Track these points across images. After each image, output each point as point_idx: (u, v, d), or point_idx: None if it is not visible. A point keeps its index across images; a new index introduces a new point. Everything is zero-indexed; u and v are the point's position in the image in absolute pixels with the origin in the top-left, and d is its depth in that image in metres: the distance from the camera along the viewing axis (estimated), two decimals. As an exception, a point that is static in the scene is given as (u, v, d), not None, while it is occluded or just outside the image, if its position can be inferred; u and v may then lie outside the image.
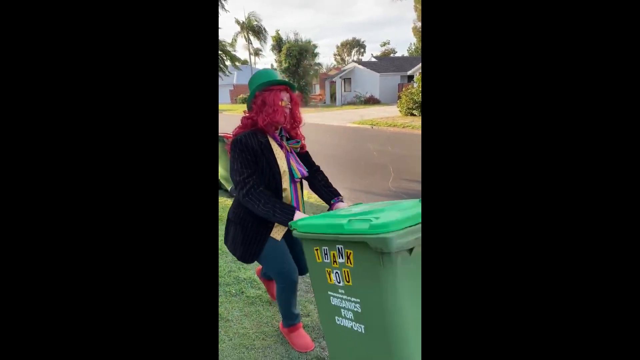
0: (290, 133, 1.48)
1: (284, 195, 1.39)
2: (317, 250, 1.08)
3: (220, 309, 1.94)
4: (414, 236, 0.87)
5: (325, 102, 24.79)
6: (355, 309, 1.02)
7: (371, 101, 20.43)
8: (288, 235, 1.44)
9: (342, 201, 1.53)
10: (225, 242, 1.50)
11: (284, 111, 1.37)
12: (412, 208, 0.98)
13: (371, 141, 7.92)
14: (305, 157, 1.55)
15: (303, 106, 21.03)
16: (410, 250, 0.86)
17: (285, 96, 1.39)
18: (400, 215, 0.91)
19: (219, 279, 2.23)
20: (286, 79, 1.49)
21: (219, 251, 2.62)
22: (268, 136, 1.39)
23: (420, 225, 0.90)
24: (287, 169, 1.39)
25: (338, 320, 1.11)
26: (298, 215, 1.26)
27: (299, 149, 1.49)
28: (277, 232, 1.43)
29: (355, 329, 1.04)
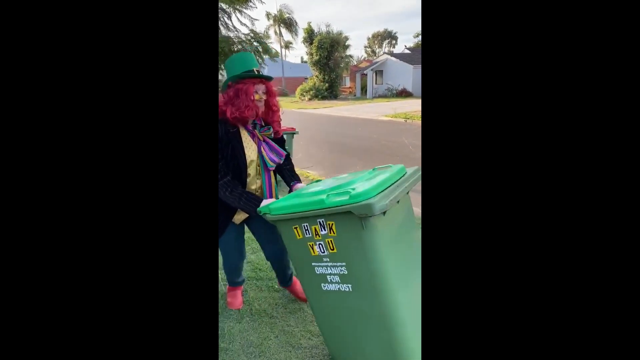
0: (267, 120, 1.49)
1: (248, 182, 1.44)
2: (296, 228, 1.19)
3: (265, 305, 1.91)
4: (388, 199, 1.01)
5: (355, 95, 24.46)
6: (342, 272, 1.16)
7: (404, 94, 19.89)
8: (253, 225, 1.61)
9: (301, 182, 1.68)
10: None
11: (255, 106, 1.36)
12: (376, 176, 1.16)
13: (406, 135, 7.67)
14: (280, 142, 1.56)
15: (332, 99, 21.14)
16: (384, 212, 1.00)
17: (260, 88, 1.39)
18: (369, 184, 1.06)
19: (262, 273, 2.21)
20: (262, 73, 1.43)
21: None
22: (239, 125, 1.39)
23: (390, 189, 1.08)
24: (255, 159, 1.43)
25: (324, 286, 1.24)
26: (266, 201, 1.32)
27: (272, 135, 1.49)
28: (237, 218, 1.53)
29: (343, 289, 1.18)
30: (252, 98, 1.34)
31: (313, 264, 1.21)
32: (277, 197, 1.49)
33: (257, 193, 1.49)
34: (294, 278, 1.90)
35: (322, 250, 1.16)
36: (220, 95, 1.33)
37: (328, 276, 1.19)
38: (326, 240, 1.13)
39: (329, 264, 1.16)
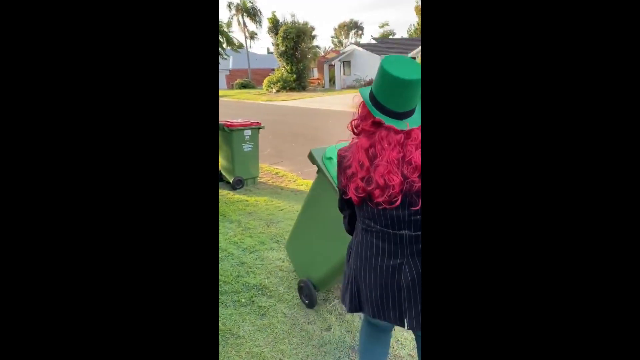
0: None
1: None
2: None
3: (229, 323, 1.71)
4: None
5: (324, 86, 24.25)
6: None
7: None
8: None
9: None
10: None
11: None
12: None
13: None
14: None
15: (301, 91, 20.84)
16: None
17: None
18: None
19: (226, 286, 2.00)
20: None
21: (224, 252, 2.39)
22: None
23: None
24: None
25: None
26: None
27: None
28: None
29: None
30: None
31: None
32: None
33: None
34: None
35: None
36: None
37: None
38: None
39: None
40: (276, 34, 20.92)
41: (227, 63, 27.55)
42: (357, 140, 0.96)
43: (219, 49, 5.64)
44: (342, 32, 45.23)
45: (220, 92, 23.53)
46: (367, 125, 0.92)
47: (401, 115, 0.90)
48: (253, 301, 1.89)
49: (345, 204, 1.08)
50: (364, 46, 22.47)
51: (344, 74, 22.48)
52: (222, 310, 1.80)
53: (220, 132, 3.85)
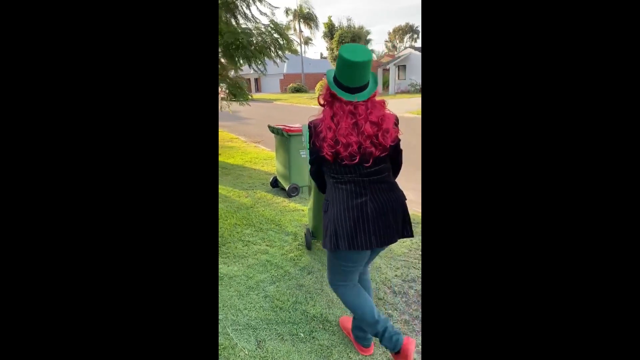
0: None
1: None
2: None
3: (287, 364, 1.46)
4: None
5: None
6: None
7: (428, 89, 19.02)
8: None
9: None
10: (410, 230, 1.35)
11: None
12: None
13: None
14: None
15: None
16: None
17: None
18: None
19: (283, 314, 1.77)
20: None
21: (281, 271, 2.16)
22: None
23: None
24: None
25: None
26: None
27: None
28: None
29: None
30: None
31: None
32: None
33: None
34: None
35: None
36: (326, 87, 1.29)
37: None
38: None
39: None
40: (331, 38, 20.93)
41: (281, 67, 28.25)
42: (324, 112, 1.25)
43: (280, 53, 5.60)
44: (397, 36, 44.25)
45: (274, 96, 24.13)
46: (327, 96, 1.25)
47: (352, 90, 1.19)
48: (313, 337, 1.63)
49: (316, 160, 1.32)
50: (420, 50, 21.59)
51: (398, 78, 21.78)
52: (279, 345, 1.57)
53: (278, 137, 3.70)
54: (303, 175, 3.69)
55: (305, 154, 3.65)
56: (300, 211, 3.23)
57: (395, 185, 1.32)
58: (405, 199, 1.31)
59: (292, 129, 3.52)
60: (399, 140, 1.28)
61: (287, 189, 3.62)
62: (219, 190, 3.75)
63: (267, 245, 2.56)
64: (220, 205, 3.34)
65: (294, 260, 2.34)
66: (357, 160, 1.19)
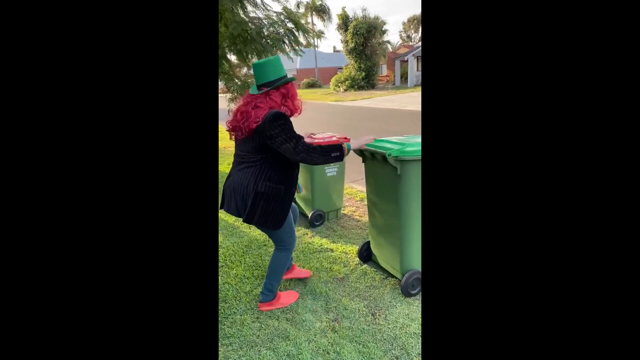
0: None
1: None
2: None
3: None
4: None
5: (394, 83, 22.62)
6: None
7: (450, 81, 17.84)
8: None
9: None
10: (249, 219, 1.61)
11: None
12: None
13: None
14: None
15: (370, 89, 19.64)
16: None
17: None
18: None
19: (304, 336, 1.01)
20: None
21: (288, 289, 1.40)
22: None
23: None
24: None
25: None
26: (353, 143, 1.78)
27: None
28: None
29: None
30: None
31: None
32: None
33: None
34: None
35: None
36: (262, 95, 1.63)
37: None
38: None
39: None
40: (345, 30, 19.94)
41: (294, 63, 27.53)
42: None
43: (296, 47, 4.83)
44: (412, 26, 42.64)
45: (287, 92, 23.28)
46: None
47: (258, 86, 1.65)
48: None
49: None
50: (441, 39, 20.31)
51: (417, 70, 20.63)
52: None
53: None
54: (330, 198, 2.92)
55: (331, 172, 2.87)
56: (329, 252, 2.43)
57: (252, 170, 1.59)
58: (255, 187, 1.58)
59: (315, 139, 2.56)
60: (272, 134, 1.53)
61: (309, 216, 2.87)
62: (222, 216, 3.01)
63: (287, 321, 1.74)
64: (222, 241, 2.61)
65: (328, 353, 1.53)
66: (231, 138, 1.68)
